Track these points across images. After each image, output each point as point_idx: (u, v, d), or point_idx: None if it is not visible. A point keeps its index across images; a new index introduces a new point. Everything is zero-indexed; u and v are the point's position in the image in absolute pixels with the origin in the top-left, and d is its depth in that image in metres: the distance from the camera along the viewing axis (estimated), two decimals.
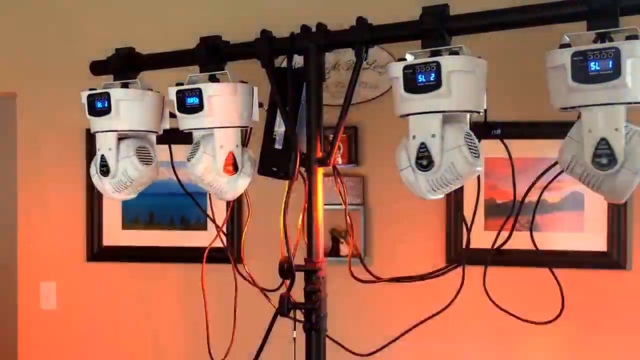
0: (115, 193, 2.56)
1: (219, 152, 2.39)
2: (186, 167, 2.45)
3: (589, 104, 1.77)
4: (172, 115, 2.52)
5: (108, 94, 2.47)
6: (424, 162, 1.99)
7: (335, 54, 3.45)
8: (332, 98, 3.38)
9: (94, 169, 2.56)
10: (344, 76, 3.45)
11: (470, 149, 1.95)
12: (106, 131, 2.50)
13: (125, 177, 2.51)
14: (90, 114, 2.51)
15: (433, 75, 1.93)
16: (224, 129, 2.38)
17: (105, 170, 2.52)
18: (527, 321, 2.19)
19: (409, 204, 3.35)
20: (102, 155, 2.52)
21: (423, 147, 1.99)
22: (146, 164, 2.53)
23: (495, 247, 2.19)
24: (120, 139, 2.52)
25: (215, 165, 2.40)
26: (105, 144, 2.51)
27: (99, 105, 2.49)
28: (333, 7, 3.48)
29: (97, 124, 2.53)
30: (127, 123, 2.51)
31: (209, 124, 2.38)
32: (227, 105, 2.37)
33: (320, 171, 2.29)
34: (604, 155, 1.78)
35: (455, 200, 3.32)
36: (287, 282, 2.24)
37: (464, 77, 1.95)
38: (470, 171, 1.97)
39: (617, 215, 3.31)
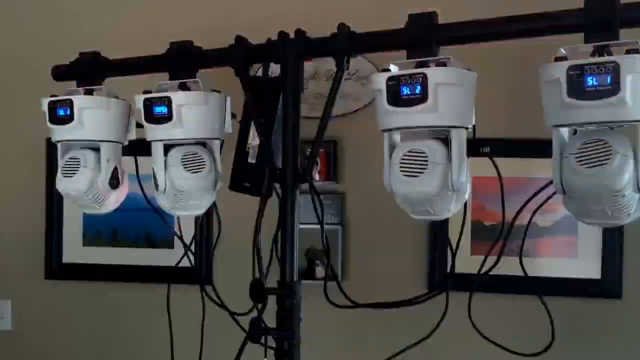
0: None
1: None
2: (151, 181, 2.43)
3: (585, 122, 1.74)
4: (139, 125, 2.48)
5: (71, 101, 2.41)
6: None
7: (315, 63, 3.42)
8: (310, 110, 3.34)
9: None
10: (323, 87, 3.42)
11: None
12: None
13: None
14: (51, 122, 2.45)
15: (419, 87, 1.88)
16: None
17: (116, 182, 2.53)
18: (514, 353, 2.16)
19: (391, 224, 3.31)
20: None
21: None
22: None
23: (482, 272, 2.16)
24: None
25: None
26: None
27: (60, 113, 2.43)
28: (314, 13, 3.44)
29: (59, 132, 2.47)
30: (91, 132, 2.46)
31: (178, 135, 2.34)
32: (197, 116, 2.34)
33: (296, 188, 2.25)
34: None
35: (439, 221, 3.30)
36: (259, 305, 2.21)
37: (452, 91, 1.90)
38: None
39: (612, 241, 3.26)
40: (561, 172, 1.83)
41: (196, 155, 2.42)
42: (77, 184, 2.48)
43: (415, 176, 1.95)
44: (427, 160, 1.94)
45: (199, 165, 2.41)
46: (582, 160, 1.76)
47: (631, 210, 1.81)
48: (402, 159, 1.98)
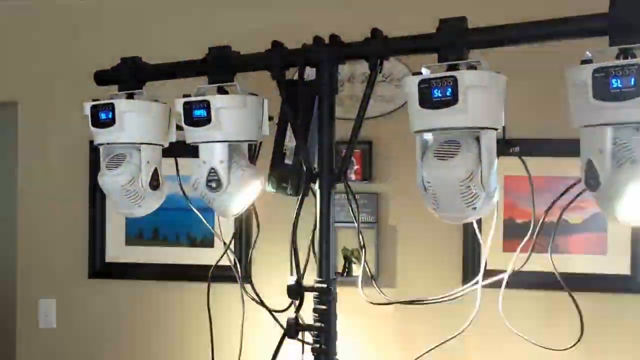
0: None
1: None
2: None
3: (610, 122, 1.78)
4: (179, 128, 2.53)
5: (112, 105, 2.48)
6: None
7: (350, 66, 3.47)
8: (346, 112, 3.39)
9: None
10: (358, 89, 3.46)
11: None
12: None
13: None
14: (93, 125, 2.53)
15: (449, 90, 1.93)
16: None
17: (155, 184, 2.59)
18: (544, 347, 2.19)
19: (425, 222, 3.33)
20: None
21: None
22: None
23: (513, 269, 2.19)
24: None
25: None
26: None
27: (102, 117, 2.50)
28: (348, 18, 3.49)
29: (101, 135, 2.55)
30: (132, 135, 2.53)
31: (217, 137, 2.39)
32: (235, 118, 2.39)
33: (332, 188, 2.30)
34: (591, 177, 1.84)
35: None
36: (296, 302, 2.27)
37: (482, 93, 1.95)
38: None
39: None
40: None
41: None
42: (119, 177, 2.54)
43: (447, 159, 1.99)
44: (459, 148, 1.99)
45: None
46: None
47: None
48: (437, 148, 2.03)
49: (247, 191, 2.48)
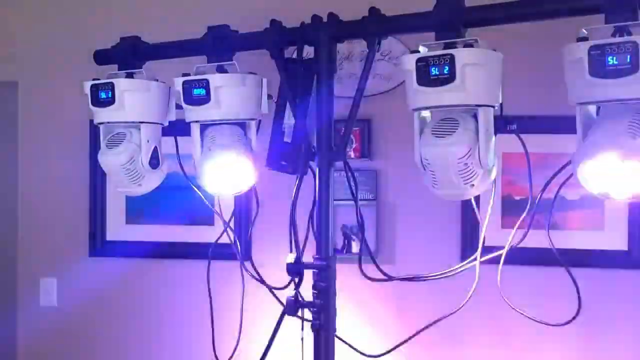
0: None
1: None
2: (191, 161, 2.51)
3: (606, 99, 1.81)
4: (179, 107, 2.55)
5: (112, 84, 2.51)
6: None
7: (348, 45, 3.47)
8: (344, 90, 3.37)
9: None
10: (357, 67, 3.46)
11: None
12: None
13: None
14: (93, 104, 2.56)
15: (447, 68, 1.96)
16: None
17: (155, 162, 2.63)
18: (542, 322, 2.22)
19: (424, 199, 3.35)
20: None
21: None
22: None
23: (511, 245, 2.22)
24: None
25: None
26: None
27: (102, 96, 2.53)
28: None
29: (101, 114, 2.57)
30: (132, 114, 2.56)
31: (216, 116, 2.42)
32: (234, 97, 2.41)
33: (330, 165, 2.32)
34: None
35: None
36: (296, 280, 2.29)
37: (479, 71, 1.98)
38: None
39: (639, 212, 3.29)
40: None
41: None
42: (120, 156, 2.56)
43: (445, 137, 2.02)
44: (458, 125, 2.02)
45: None
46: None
47: None
48: (435, 126, 2.07)
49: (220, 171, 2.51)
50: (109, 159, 2.59)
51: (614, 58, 1.75)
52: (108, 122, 2.59)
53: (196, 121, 2.48)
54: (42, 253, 4.06)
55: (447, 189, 2.10)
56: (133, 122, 2.58)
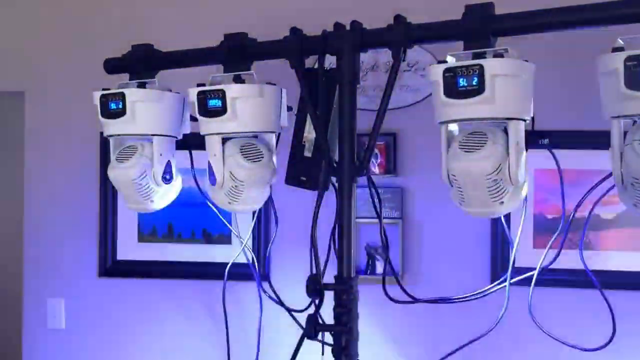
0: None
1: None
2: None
3: None
4: (193, 119, 2.56)
5: (123, 94, 2.51)
6: None
7: (373, 55, 3.48)
8: (370, 102, 3.42)
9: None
10: (382, 79, 3.46)
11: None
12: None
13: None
14: (103, 115, 2.56)
15: (475, 79, 1.96)
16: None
17: (169, 177, 2.62)
18: (574, 347, 2.22)
19: (452, 218, 3.37)
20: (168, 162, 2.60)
21: None
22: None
23: (542, 266, 2.22)
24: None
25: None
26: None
27: (112, 107, 2.53)
28: (370, 5, 3.50)
29: (111, 126, 2.58)
30: (143, 126, 2.56)
31: (232, 129, 2.42)
32: (252, 109, 2.42)
33: (353, 181, 2.31)
34: None
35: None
36: (316, 301, 2.29)
37: (509, 82, 1.98)
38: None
39: None
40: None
41: (253, 145, 2.51)
42: (130, 170, 2.58)
43: (473, 152, 2.03)
44: (487, 139, 2.03)
45: (257, 155, 2.50)
46: None
47: None
48: (462, 140, 2.08)
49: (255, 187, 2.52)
50: (118, 174, 2.60)
51: None
52: (118, 135, 2.61)
53: (211, 134, 2.47)
54: (50, 272, 4.07)
55: (475, 206, 2.11)
56: (145, 135, 2.59)
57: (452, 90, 2.01)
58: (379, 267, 3.56)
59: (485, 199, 2.06)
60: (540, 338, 2.34)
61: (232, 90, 2.39)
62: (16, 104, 4.15)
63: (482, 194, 2.05)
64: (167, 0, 3.99)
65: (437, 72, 2.04)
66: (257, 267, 2.80)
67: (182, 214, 3.75)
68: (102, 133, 2.67)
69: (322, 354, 2.31)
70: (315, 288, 2.27)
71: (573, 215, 2.16)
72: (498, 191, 2.03)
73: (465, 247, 3.52)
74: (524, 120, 2.06)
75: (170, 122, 2.63)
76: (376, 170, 3.55)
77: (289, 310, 2.60)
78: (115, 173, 2.60)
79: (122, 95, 2.51)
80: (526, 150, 2.07)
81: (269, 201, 2.67)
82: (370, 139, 2.29)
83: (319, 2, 3.62)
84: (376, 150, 3.48)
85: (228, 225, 2.84)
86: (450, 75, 2.01)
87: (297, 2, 3.72)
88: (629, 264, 3.34)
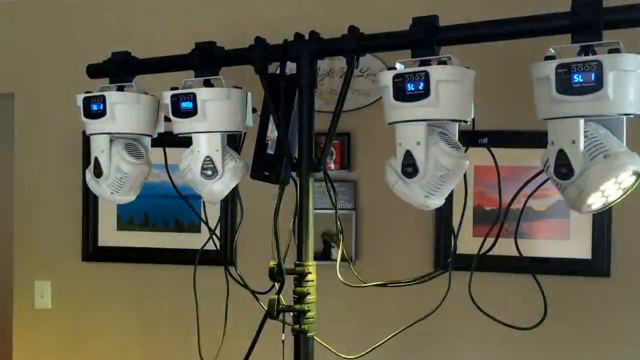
0: (114, 194, 2.57)
1: (198, 155, 2.42)
2: (179, 171, 2.49)
3: (571, 115, 1.80)
4: (167, 119, 2.54)
5: (103, 97, 2.48)
6: (409, 170, 2.02)
7: (329, 61, 3.47)
8: (326, 105, 3.39)
9: (89, 174, 2.58)
10: (337, 83, 3.46)
11: (447, 143, 1.99)
12: (99, 134, 2.52)
13: (118, 174, 2.52)
14: (85, 116, 2.53)
15: (422, 84, 1.95)
16: (208, 133, 2.41)
17: (98, 172, 2.54)
18: (510, 326, 2.21)
19: (400, 209, 3.32)
20: (96, 158, 2.54)
21: (408, 155, 2.02)
22: (136, 157, 2.55)
23: (481, 253, 2.21)
24: (112, 140, 2.54)
25: (196, 166, 2.44)
26: (98, 147, 2.53)
27: (94, 108, 2.50)
28: (327, 16, 3.50)
29: (92, 126, 2.54)
30: (122, 126, 2.53)
31: (202, 128, 2.39)
32: (220, 110, 2.39)
33: (311, 176, 2.31)
34: (563, 165, 1.83)
35: (444, 206, 3.35)
36: (278, 285, 2.27)
37: (452, 87, 1.97)
38: (455, 163, 1.99)
39: (602, 224, 3.34)
40: None
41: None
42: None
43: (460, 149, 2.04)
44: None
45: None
46: None
47: None
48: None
49: (236, 179, 2.48)
50: (100, 191, 2.60)
51: (580, 76, 1.74)
52: (99, 134, 2.57)
53: (184, 133, 2.45)
54: (37, 257, 4.06)
55: (442, 198, 2.12)
56: (124, 133, 2.56)
57: (401, 94, 1.99)
58: (334, 254, 3.55)
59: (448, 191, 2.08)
60: (478, 318, 2.32)
61: (202, 93, 2.36)
62: (7, 104, 4.12)
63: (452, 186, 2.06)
64: (145, 12, 3.96)
65: (387, 78, 2.02)
66: (224, 253, 2.77)
67: (157, 204, 3.75)
68: (84, 132, 2.62)
69: (283, 331, 2.30)
70: (276, 273, 2.25)
71: (509, 207, 2.15)
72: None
73: (411, 236, 3.53)
74: (465, 122, 2.05)
75: (146, 122, 2.59)
76: (332, 166, 3.55)
77: (253, 293, 2.58)
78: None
79: (103, 97, 2.49)
80: (467, 148, 2.06)
81: (236, 194, 2.64)
82: (327, 138, 2.28)
83: (281, 12, 3.62)
84: (332, 148, 3.48)
85: (198, 215, 2.82)
86: (399, 81, 1.99)
87: (261, 12, 3.71)
88: (557, 251, 3.36)
